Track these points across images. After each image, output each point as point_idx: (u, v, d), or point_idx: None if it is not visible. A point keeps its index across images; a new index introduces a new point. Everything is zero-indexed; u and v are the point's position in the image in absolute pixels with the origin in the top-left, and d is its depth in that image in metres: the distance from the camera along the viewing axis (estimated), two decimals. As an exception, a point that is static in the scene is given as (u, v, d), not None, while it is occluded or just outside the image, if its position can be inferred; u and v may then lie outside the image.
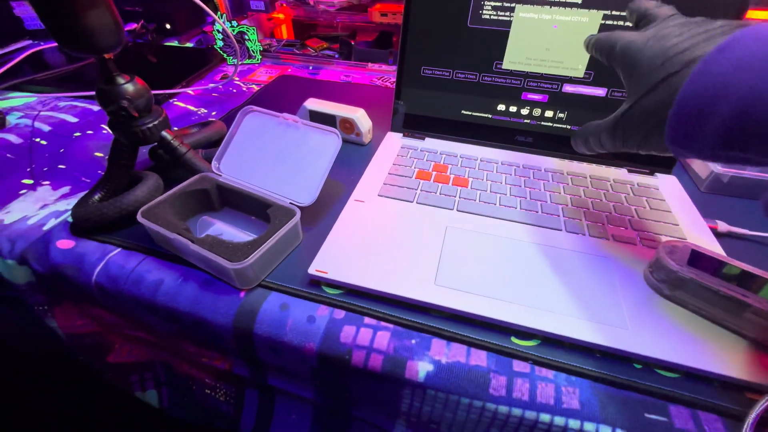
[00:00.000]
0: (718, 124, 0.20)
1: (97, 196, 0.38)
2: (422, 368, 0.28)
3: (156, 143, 0.40)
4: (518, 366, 0.28)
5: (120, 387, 0.44)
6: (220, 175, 0.39)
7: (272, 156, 0.39)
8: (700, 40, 0.22)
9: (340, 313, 0.31)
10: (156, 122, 0.38)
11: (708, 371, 0.26)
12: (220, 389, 0.40)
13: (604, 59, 0.29)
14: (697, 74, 0.21)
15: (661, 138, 0.23)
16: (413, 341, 0.29)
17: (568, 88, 0.43)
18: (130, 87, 0.35)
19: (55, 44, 0.74)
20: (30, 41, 0.78)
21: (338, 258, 0.33)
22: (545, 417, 0.26)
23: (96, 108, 0.58)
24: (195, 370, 0.40)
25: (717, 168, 0.42)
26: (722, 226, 0.37)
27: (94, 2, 0.30)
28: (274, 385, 0.35)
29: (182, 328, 0.33)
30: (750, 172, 0.41)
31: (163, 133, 0.39)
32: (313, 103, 0.50)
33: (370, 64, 0.72)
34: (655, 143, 0.25)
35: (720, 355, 0.27)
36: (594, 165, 0.45)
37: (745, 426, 0.23)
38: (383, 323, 0.30)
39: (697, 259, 0.30)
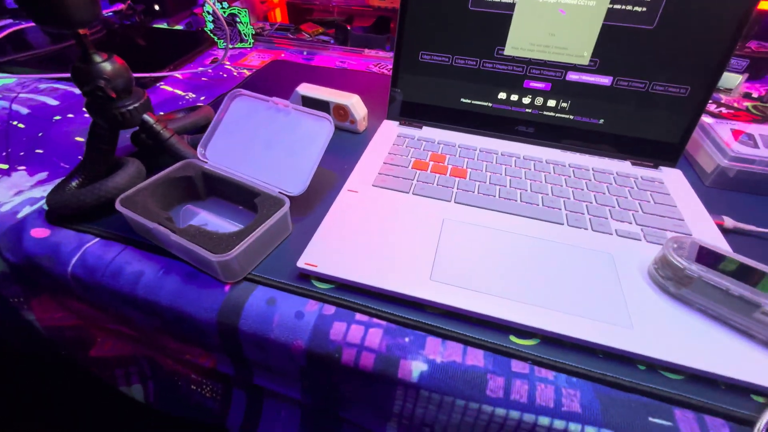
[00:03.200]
0: None
1: (74, 183, 0.36)
2: (416, 368, 0.26)
3: (138, 127, 0.37)
4: (517, 366, 0.26)
5: (105, 381, 0.43)
6: (206, 162, 0.37)
7: (261, 142, 0.37)
8: None
9: (330, 309, 0.29)
10: (137, 104, 0.35)
11: (714, 373, 0.25)
12: (207, 385, 0.38)
13: None
14: None
15: None
16: (407, 339, 0.28)
17: (572, 76, 0.42)
18: (107, 66, 0.33)
19: (37, 24, 0.70)
20: (11, 20, 0.74)
21: (329, 251, 0.31)
22: (544, 420, 0.25)
23: (78, 91, 0.55)
24: (180, 366, 0.39)
25: (723, 162, 0.40)
26: (729, 222, 0.36)
27: (65, -30, 0.27)
28: (261, 385, 0.34)
29: (164, 322, 0.32)
30: (757, 167, 0.40)
31: (145, 116, 0.36)
32: (305, 89, 0.47)
33: (366, 51, 0.69)
34: None
35: (727, 357, 0.26)
36: (597, 157, 0.44)
37: (756, 431, 0.22)
38: (375, 320, 0.29)
39: (705, 256, 0.28)
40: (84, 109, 0.35)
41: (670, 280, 0.29)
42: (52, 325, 0.40)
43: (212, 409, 0.39)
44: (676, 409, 0.25)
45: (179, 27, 0.79)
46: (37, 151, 0.44)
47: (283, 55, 0.69)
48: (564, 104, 0.43)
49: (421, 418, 0.28)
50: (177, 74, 0.60)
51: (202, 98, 0.55)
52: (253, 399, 0.37)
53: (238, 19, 0.68)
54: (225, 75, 0.62)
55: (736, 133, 0.42)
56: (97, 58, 0.33)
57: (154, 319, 0.32)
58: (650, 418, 0.24)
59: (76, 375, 0.50)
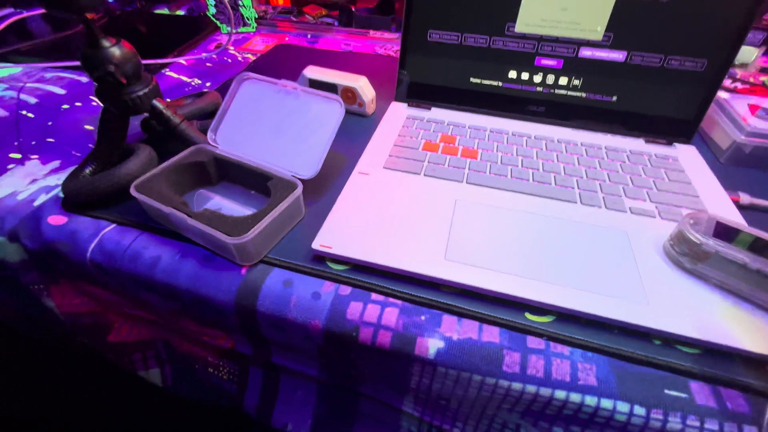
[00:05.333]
0: None
1: (88, 170, 0.36)
2: (432, 345, 0.27)
3: (147, 113, 0.37)
4: (532, 342, 0.27)
5: (122, 366, 0.44)
6: (217, 147, 0.37)
7: (271, 126, 0.36)
8: None
9: (346, 290, 0.29)
10: (146, 90, 0.35)
11: (730, 346, 0.25)
12: (224, 368, 0.39)
13: None
14: None
15: None
16: (423, 318, 0.28)
17: (585, 53, 0.41)
18: (116, 51, 0.33)
19: (39, 12, 0.70)
20: (12, 9, 0.74)
21: (343, 233, 0.31)
22: (560, 394, 0.25)
23: (84, 79, 0.55)
24: (197, 349, 0.40)
25: (740, 137, 0.40)
26: (744, 198, 0.36)
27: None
28: (279, 363, 0.34)
29: (182, 305, 0.32)
30: (775, 142, 0.39)
31: (155, 102, 0.36)
32: (312, 72, 0.47)
33: (371, 32, 0.68)
34: None
35: (742, 330, 0.26)
36: (609, 135, 0.43)
37: (771, 402, 0.22)
38: (391, 299, 0.29)
39: (723, 231, 0.28)
40: (94, 95, 0.35)
41: (685, 255, 0.29)
42: (71, 311, 0.41)
43: (229, 391, 0.40)
44: (692, 382, 0.25)
45: (181, 12, 0.77)
46: (48, 140, 0.44)
47: (287, 38, 0.68)
48: (576, 82, 0.42)
49: (437, 392, 0.28)
50: (181, 60, 0.60)
51: (208, 84, 0.55)
52: (270, 379, 0.38)
53: (240, 3, 0.67)
54: (229, 60, 0.61)
55: (753, 108, 0.41)
56: (106, 43, 0.32)
57: (172, 302, 0.33)
58: (666, 391, 0.24)
59: (95, 361, 0.51)
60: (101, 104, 0.35)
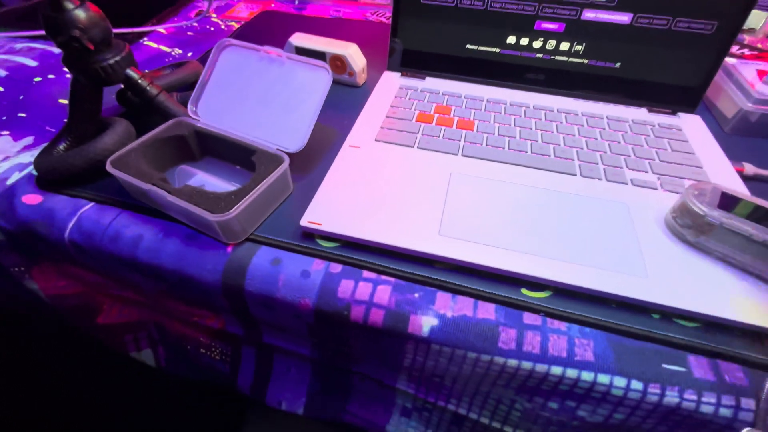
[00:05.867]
0: None
1: (62, 146, 0.34)
2: (426, 323, 0.26)
3: (122, 84, 0.35)
4: (529, 318, 0.26)
5: (114, 348, 0.43)
6: (198, 120, 0.34)
7: (255, 96, 0.34)
8: None
9: (336, 267, 0.28)
10: (118, 58, 0.33)
11: (730, 320, 0.25)
12: (216, 348, 0.39)
13: None
14: None
15: None
16: (416, 295, 0.27)
17: (589, 15, 0.38)
18: (80, 13, 0.30)
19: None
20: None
21: (333, 208, 0.30)
22: (557, 370, 0.24)
23: (57, 50, 0.52)
24: (188, 329, 0.39)
25: (746, 105, 0.38)
26: (749, 169, 0.34)
27: None
28: (270, 343, 0.34)
29: (168, 286, 0.31)
30: (783, 109, 0.37)
31: (129, 71, 0.34)
32: (299, 39, 0.44)
33: (362, -2, 0.64)
34: None
35: (742, 303, 0.25)
36: (612, 105, 0.41)
37: (771, 375, 0.22)
38: (384, 277, 0.28)
39: (728, 202, 0.27)
40: (62, 64, 0.32)
41: (688, 228, 0.28)
42: (56, 293, 0.40)
43: (222, 371, 0.40)
44: (690, 356, 0.24)
45: (159, -22, 0.72)
46: (20, 114, 0.42)
47: (272, 5, 0.64)
48: (578, 47, 0.40)
49: (431, 370, 0.28)
50: (161, 29, 0.56)
51: (189, 54, 0.52)
52: (263, 358, 0.37)
53: (221, -34, 0.63)
54: (212, 28, 0.58)
55: (762, 74, 0.39)
56: (69, 5, 0.30)
57: (158, 283, 0.31)
58: (664, 365, 0.24)
59: (85, 343, 0.50)
60: (71, 73, 0.33)
